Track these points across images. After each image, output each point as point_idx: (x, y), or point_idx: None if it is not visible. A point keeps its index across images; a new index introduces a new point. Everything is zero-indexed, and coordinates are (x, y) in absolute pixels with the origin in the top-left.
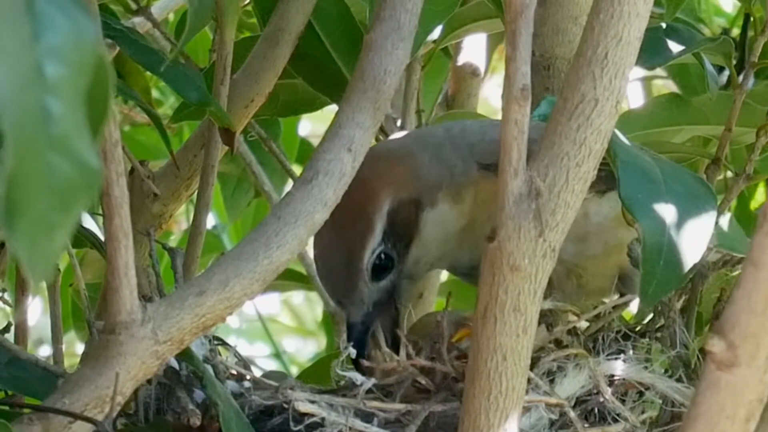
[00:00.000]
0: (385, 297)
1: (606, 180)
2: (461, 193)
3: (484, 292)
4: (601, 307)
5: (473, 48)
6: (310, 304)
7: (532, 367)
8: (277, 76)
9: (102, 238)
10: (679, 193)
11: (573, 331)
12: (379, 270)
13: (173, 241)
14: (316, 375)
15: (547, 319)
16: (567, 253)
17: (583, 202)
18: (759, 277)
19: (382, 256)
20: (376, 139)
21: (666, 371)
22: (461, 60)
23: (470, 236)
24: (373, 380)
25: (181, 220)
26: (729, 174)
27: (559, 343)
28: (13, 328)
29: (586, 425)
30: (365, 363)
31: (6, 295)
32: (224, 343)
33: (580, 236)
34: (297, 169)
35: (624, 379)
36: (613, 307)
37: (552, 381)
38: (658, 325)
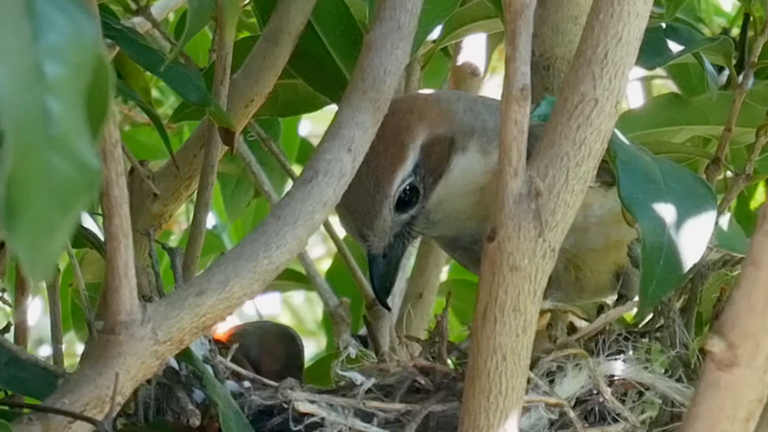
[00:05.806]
0: (399, 238)
1: (612, 173)
2: (489, 148)
3: (484, 292)
4: (604, 314)
5: (473, 48)
6: (310, 304)
7: (532, 367)
8: (277, 76)
9: (102, 238)
10: (679, 193)
11: (573, 331)
12: (405, 202)
13: (173, 241)
14: (316, 375)
15: (551, 330)
16: (567, 243)
17: (587, 191)
18: (759, 277)
19: (410, 187)
20: None
21: (666, 371)
22: (461, 60)
23: (486, 200)
24: (373, 380)
25: (181, 220)
26: (729, 174)
27: None
28: (13, 328)
29: (586, 425)
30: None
31: (6, 295)
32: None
33: (582, 227)
34: (297, 169)
35: (624, 379)
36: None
37: (552, 381)
38: (658, 325)
